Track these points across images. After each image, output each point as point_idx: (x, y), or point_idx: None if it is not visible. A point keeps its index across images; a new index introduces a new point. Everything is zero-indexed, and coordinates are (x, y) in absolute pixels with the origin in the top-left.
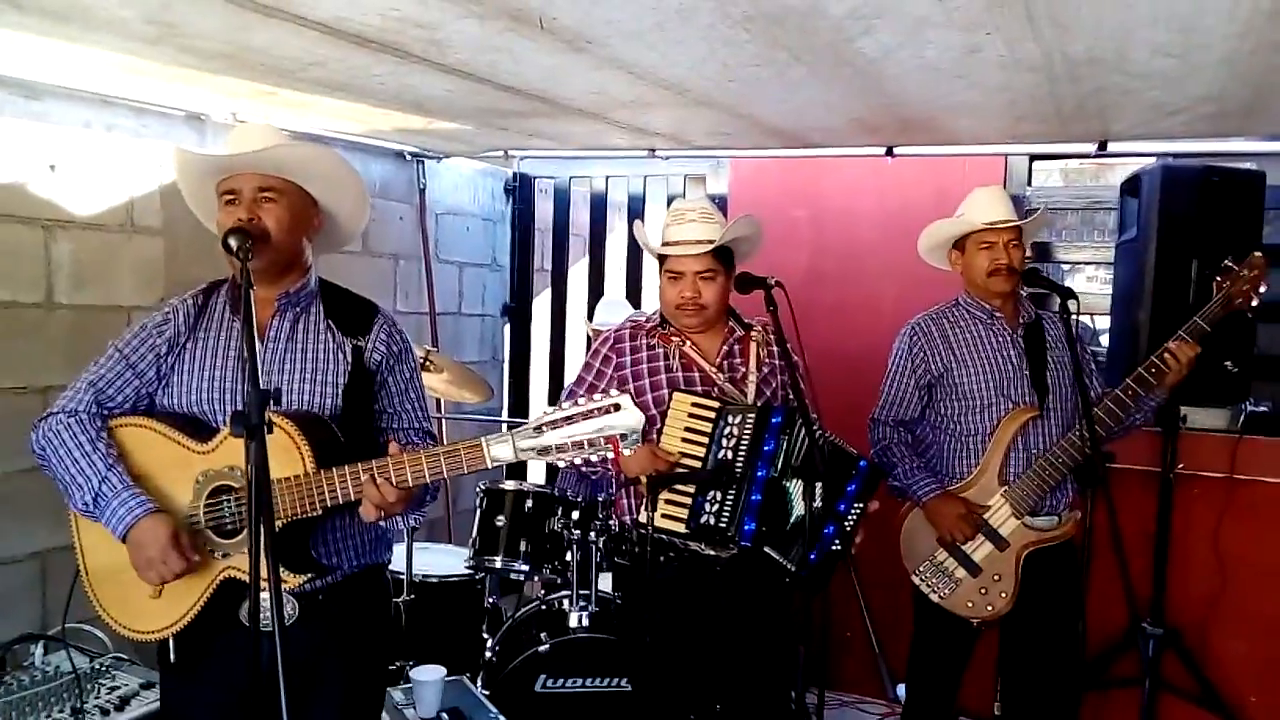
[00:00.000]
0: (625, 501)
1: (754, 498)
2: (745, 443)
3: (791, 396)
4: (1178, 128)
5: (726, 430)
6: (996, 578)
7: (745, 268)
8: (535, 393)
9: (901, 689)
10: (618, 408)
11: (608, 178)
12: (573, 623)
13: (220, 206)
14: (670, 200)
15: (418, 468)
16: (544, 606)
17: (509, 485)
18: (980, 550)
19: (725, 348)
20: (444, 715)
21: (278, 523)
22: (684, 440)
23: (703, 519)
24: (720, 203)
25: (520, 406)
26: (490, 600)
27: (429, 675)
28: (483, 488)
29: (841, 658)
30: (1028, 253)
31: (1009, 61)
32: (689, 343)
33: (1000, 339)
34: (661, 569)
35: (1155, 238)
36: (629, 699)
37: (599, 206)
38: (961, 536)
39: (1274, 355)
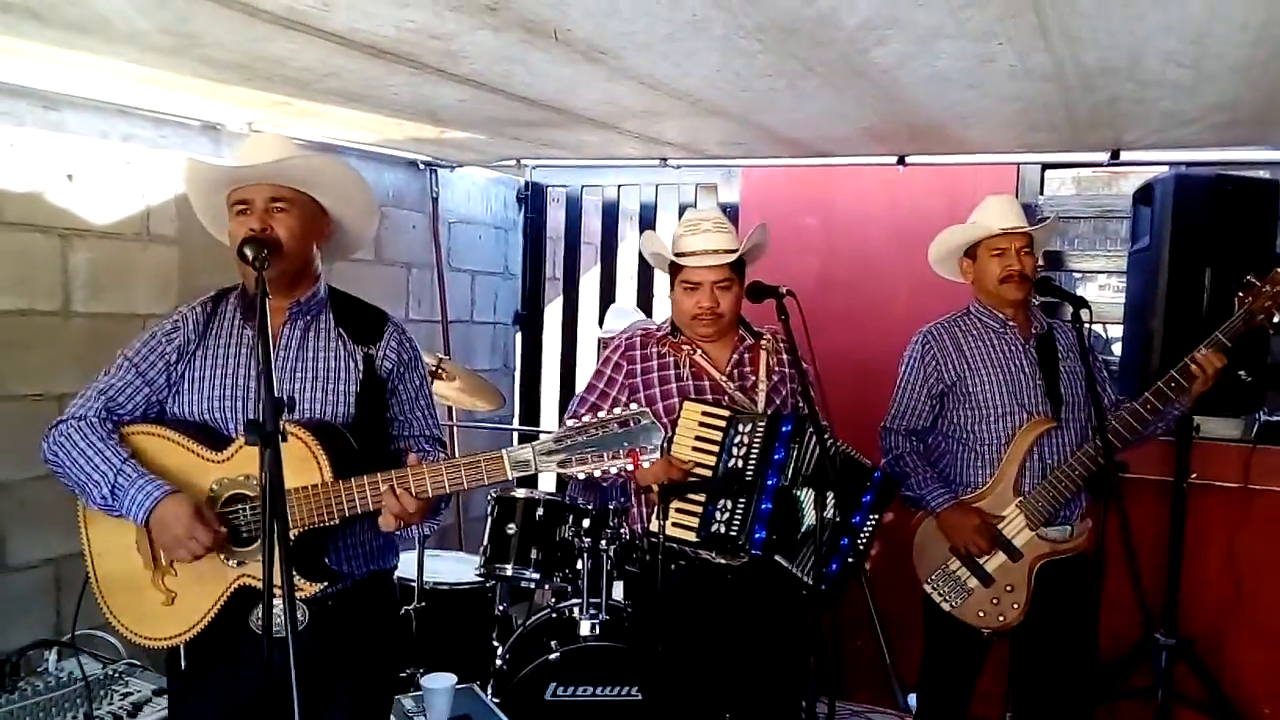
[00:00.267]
0: (637, 510)
1: (764, 506)
2: (755, 451)
3: (802, 405)
4: (1190, 137)
5: (737, 439)
6: (1009, 588)
7: (756, 275)
8: (547, 401)
9: (913, 698)
10: (639, 421)
11: (619, 187)
12: (583, 631)
13: (231, 216)
14: (682, 209)
15: (438, 478)
16: (554, 615)
17: (520, 493)
18: (993, 561)
19: (735, 356)
20: None
21: (293, 531)
22: (694, 449)
23: (713, 528)
24: (731, 212)
25: (532, 415)
26: (501, 608)
27: (439, 683)
28: (494, 495)
29: (852, 667)
30: (1039, 261)
31: (1021, 71)
32: (699, 351)
33: (1013, 348)
34: (672, 577)
35: (1168, 247)
36: (639, 708)
37: (611, 215)
38: (978, 550)
39: None
